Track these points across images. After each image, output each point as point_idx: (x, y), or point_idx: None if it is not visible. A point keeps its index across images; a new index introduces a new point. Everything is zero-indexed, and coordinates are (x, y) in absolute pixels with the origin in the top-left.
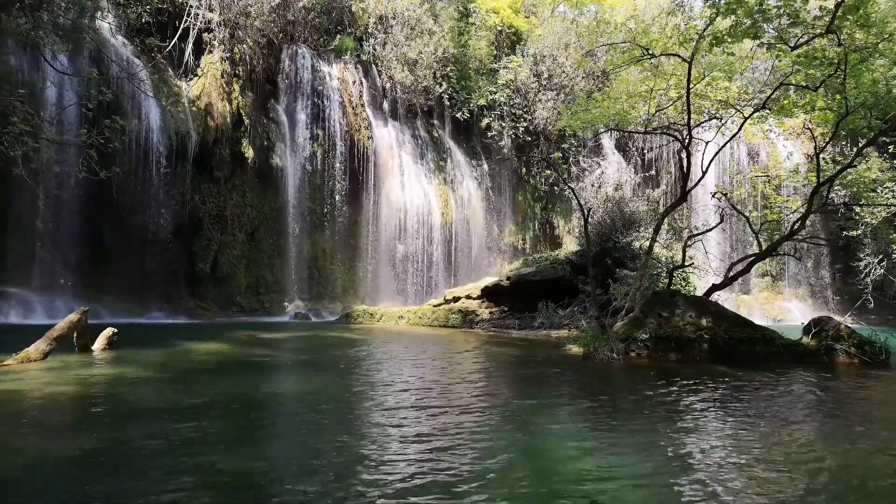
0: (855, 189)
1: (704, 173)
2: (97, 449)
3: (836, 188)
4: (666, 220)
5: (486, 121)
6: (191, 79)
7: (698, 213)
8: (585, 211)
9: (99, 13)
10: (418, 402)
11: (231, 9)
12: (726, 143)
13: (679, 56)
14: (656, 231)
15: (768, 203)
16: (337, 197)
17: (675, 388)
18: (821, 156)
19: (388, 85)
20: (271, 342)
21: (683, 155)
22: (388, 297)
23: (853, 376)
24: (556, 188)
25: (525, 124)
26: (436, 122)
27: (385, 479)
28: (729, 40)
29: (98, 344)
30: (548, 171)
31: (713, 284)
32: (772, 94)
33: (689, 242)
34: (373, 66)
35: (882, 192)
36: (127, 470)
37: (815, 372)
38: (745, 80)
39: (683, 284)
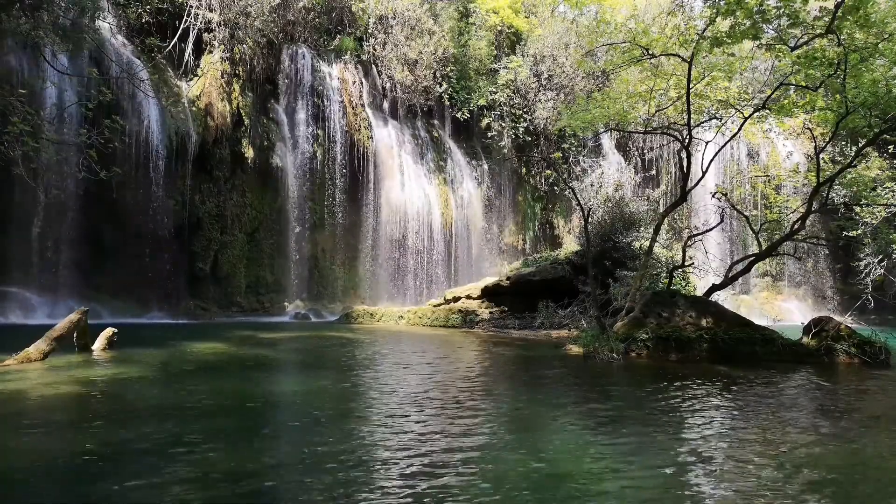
0: (855, 189)
1: (704, 173)
2: (97, 449)
3: (836, 188)
4: (666, 220)
5: (486, 121)
6: (191, 79)
7: (698, 213)
8: (585, 211)
9: (99, 13)
10: (418, 402)
11: (231, 9)
12: (726, 143)
13: (679, 56)
14: (656, 231)
15: (768, 203)
16: (337, 197)
17: (674, 389)
18: (821, 156)
19: (388, 85)
20: (271, 342)
21: (683, 155)
22: (388, 297)
23: (853, 376)
24: (556, 188)
25: (525, 124)
26: (436, 122)
27: (385, 480)
28: (729, 41)
29: (98, 344)
30: (548, 171)
31: (713, 284)
32: (772, 94)
33: (689, 242)
34: (373, 66)
35: (882, 192)
36: (127, 470)
37: (815, 372)
38: (745, 80)
39: (683, 284)
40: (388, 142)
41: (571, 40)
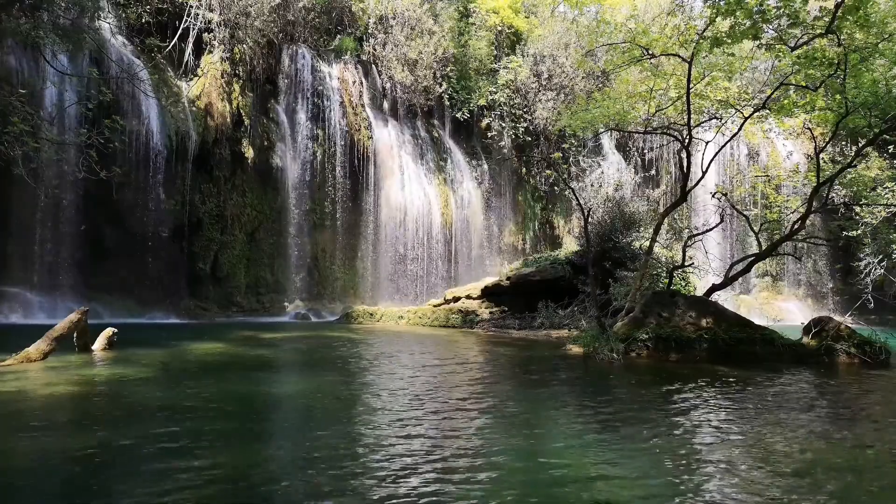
0: (855, 189)
1: (704, 173)
2: (97, 449)
3: (836, 188)
4: (666, 220)
5: (486, 121)
6: (191, 79)
7: (698, 213)
8: (585, 211)
9: (99, 13)
10: (418, 402)
11: (231, 9)
12: (726, 143)
13: (679, 56)
14: (656, 231)
15: (768, 203)
16: (337, 197)
17: (674, 389)
18: (821, 156)
19: (388, 85)
20: (271, 342)
21: (683, 155)
22: (388, 297)
23: (853, 376)
24: (556, 188)
25: (525, 124)
26: (436, 122)
27: (384, 480)
28: (729, 41)
29: (98, 344)
30: (548, 171)
31: (713, 284)
32: (772, 94)
33: (689, 242)
34: (373, 66)
35: (882, 192)
36: (127, 470)
37: (815, 372)
38: (745, 80)
39: (683, 284)
40: (388, 142)
41: (571, 40)
